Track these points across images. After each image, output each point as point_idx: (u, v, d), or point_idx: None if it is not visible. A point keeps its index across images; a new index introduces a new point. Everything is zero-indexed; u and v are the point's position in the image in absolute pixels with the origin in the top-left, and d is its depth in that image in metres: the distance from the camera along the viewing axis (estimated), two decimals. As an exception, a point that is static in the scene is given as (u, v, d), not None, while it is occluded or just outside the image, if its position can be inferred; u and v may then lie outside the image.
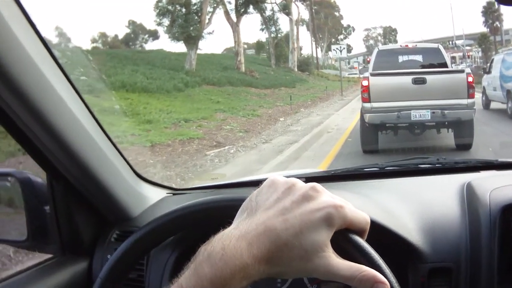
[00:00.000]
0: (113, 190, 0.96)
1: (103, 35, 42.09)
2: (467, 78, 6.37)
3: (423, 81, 6.38)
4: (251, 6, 23.06)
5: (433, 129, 6.82)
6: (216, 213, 0.76)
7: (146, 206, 1.09)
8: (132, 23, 42.54)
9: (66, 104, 0.79)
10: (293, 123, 10.43)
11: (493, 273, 0.83)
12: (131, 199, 1.03)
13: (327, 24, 50.32)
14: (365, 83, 6.64)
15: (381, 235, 0.83)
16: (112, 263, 0.75)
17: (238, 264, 0.43)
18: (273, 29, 27.60)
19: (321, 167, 5.38)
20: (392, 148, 6.71)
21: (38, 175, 0.96)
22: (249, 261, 0.43)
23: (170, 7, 19.01)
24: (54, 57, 0.76)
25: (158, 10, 19.11)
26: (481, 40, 41.01)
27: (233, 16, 22.13)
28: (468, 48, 45.66)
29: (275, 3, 27.04)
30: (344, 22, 56.70)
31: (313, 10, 42.98)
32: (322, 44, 50.94)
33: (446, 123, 6.51)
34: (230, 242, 0.44)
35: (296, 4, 32.32)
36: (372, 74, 6.83)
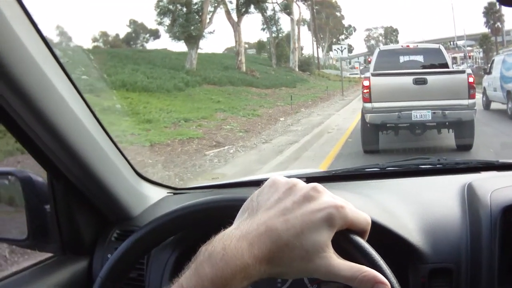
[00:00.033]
0: (114, 190, 0.96)
1: (104, 34, 42.17)
2: (468, 79, 6.37)
3: (424, 82, 6.38)
4: (252, 6, 23.06)
5: (433, 130, 6.83)
6: (216, 213, 0.76)
7: (147, 205, 1.09)
8: (133, 23, 42.59)
9: (67, 103, 0.79)
10: (293, 123, 10.43)
11: (494, 274, 0.83)
12: (132, 199, 1.04)
13: (328, 24, 50.33)
14: (366, 83, 6.65)
15: (381, 235, 0.83)
16: (113, 262, 0.75)
17: (239, 264, 0.43)
18: (274, 29, 27.62)
19: (321, 168, 5.38)
20: (392, 148, 6.71)
21: (38, 174, 0.96)
22: (250, 261, 0.43)
23: (171, 7, 19.01)
24: (56, 57, 0.76)
25: (159, 10, 19.12)
26: (482, 40, 41.00)
27: (234, 15, 22.17)
28: (469, 48, 45.63)
29: (276, 3, 27.08)
30: (346, 22, 56.77)
31: (315, 10, 42.98)
32: (323, 44, 50.96)
33: (447, 123, 6.52)
34: (231, 242, 0.44)
35: (297, 4, 32.36)
36: (373, 74, 6.84)
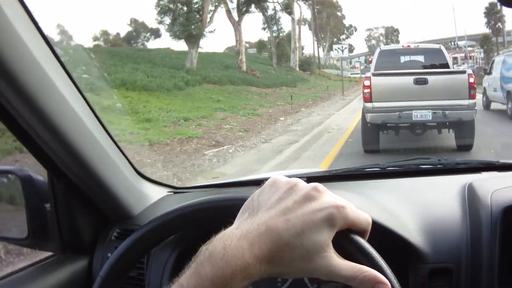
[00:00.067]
0: (114, 188, 0.96)
1: (105, 33, 42.17)
2: (469, 79, 6.38)
3: (424, 82, 6.38)
4: (253, 5, 23.05)
5: (434, 130, 6.84)
6: (217, 213, 0.76)
7: (147, 204, 1.09)
8: (134, 21, 42.56)
9: (68, 102, 0.79)
10: (293, 122, 10.42)
11: (494, 274, 0.83)
12: (132, 198, 1.04)
13: (329, 24, 50.31)
14: (367, 83, 6.65)
15: (382, 235, 0.83)
16: (113, 261, 0.75)
17: (240, 264, 0.43)
18: (275, 28, 27.59)
19: (321, 168, 5.37)
20: (393, 148, 6.72)
21: (38, 173, 0.96)
22: (251, 261, 0.43)
23: (171, 5, 19.00)
24: (57, 55, 0.76)
25: (159, 9, 19.12)
26: (483, 41, 40.97)
27: (235, 15, 22.15)
28: (470, 49, 45.60)
29: (277, 2, 27.07)
30: (346, 22, 56.72)
31: (315, 10, 42.97)
32: (324, 43, 50.96)
33: (447, 123, 6.53)
34: (232, 242, 0.44)
35: (298, 4, 32.31)
36: (374, 74, 6.84)
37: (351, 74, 38.64)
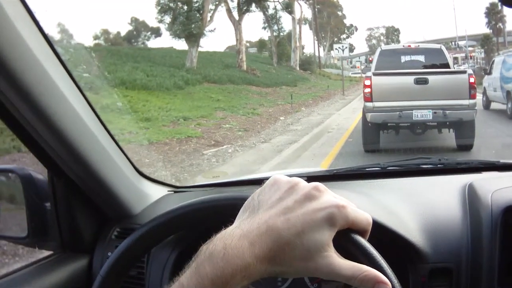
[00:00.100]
0: (115, 187, 0.96)
1: (105, 32, 42.18)
2: (469, 79, 6.38)
3: (425, 81, 6.39)
4: (253, 4, 23.03)
5: (434, 129, 6.85)
6: (217, 212, 0.76)
7: (148, 203, 1.09)
8: (134, 20, 42.55)
9: (68, 101, 0.79)
10: (293, 122, 10.40)
11: (494, 274, 0.83)
12: (132, 197, 1.03)
13: (329, 23, 50.29)
14: (367, 82, 6.66)
15: (382, 235, 0.83)
16: (113, 260, 0.75)
17: (240, 263, 0.43)
18: (275, 27, 27.59)
19: (321, 168, 5.36)
20: (393, 147, 6.72)
21: (39, 172, 0.96)
22: (251, 260, 0.43)
23: (171, 4, 18.98)
24: (57, 54, 0.76)
25: (159, 7, 19.11)
26: (483, 41, 40.96)
27: (235, 14, 22.13)
28: (470, 49, 45.57)
29: (278, 1, 27.07)
30: (347, 22, 56.71)
31: (316, 9, 42.96)
32: (325, 43, 50.94)
33: (448, 123, 6.53)
34: (232, 241, 0.44)
35: (299, 3, 32.28)
36: (374, 74, 6.85)
37: (352, 73, 38.61)
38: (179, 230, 0.86)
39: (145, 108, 10.20)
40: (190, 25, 18.01)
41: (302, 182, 0.50)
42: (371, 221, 0.50)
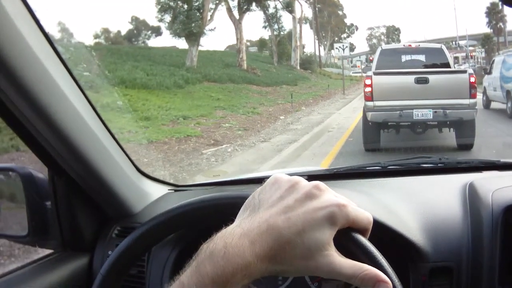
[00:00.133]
0: (115, 186, 0.96)
1: (106, 31, 42.15)
2: (469, 79, 6.38)
3: (425, 81, 6.39)
4: (254, 4, 23.00)
5: (434, 129, 6.86)
6: (218, 211, 0.76)
7: (148, 202, 1.09)
8: (135, 19, 42.53)
9: (69, 99, 0.79)
10: (293, 121, 10.39)
11: (494, 274, 0.83)
12: (133, 195, 1.04)
13: (330, 23, 50.25)
14: (368, 81, 6.66)
15: (383, 234, 0.83)
16: (113, 259, 0.75)
17: (240, 262, 0.43)
18: (276, 27, 27.57)
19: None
20: (394, 147, 6.72)
21: (39, 171, 0.96)
22: (252, 259, 0.43)
23: (171, 3, 18.97)
24: (58, 53, 0.76)
25: (159, 6, 19.09)
26: (484, 40, 40.93)
27: (235, 13, 22.11)
28: (471, 48, 45.56)
29: (278, 0, 27.03)
30: (348, 21, 56.65)
31: (317, 9, 42.93)
32: (325, 42, 50.92)
33: (448, 122, 6.54)
34: (233, 240, 0.44)
35: (299, 2, 32.26)
36: (375, 73, 6.85)
37: (352, 73, 38.60)
38: (180, 229, 0.86)
39: (144, 107, 10.17)
40: (190, 24, 17.99)
41: (303, 181, 0.50)
42: (371, 220, 0.50)
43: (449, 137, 6.74)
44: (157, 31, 39.73)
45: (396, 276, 0.48)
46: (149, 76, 13.77)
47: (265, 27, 29.05)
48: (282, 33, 28.28)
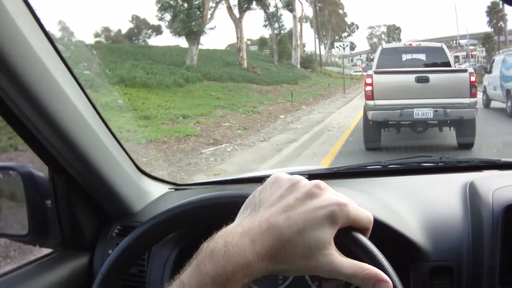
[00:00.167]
0: (115, 185, 0.96)
1: (106, 30, 42.11)
2: (470, 78, 6.38)
3: (426, 80, 6.39)
4: (254, 2, 22.98)
5: (435, 128, 6.86)
6: (218, 210, 0.76)
7: (148, 201, 1.09)
8: (135, 18, 42.49)
9: (69, 98, 0.79)
10: (293, 120, 10.38)
11: (495, 273, 0.83)
12: (133, 194, 1.03)
13: (330, 22, 50.17)
14: (368, 80, 6.66)
15: (383, 233, 0.83)
16: (114, 258, 0.75)
17: (241, 261, 0.43)
18: (276, 25, 27.53)
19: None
20: (394, 146, 6.71)
21: (39, 169, 0.96)
22: (252, 258, 0.43)
23: (172, 2, 18.95)
24: (58, 52, 0.76)
25: (160, 5, 19.07)
26: (485, 40, 40.88)
27: (236, 11, 22.07)
28: (471, 47, 45.50)
29: (279, -1, 26.98)
30: (348, 20, 56.47)
31: (317, 7, 42.89)
32: (326, 41, 50.85)
33: (448, 121, 6.55)
34: (233, 239, 0.44)
35: (300, 1, 32.32)
36: (376, 72, 6.85)
37: (353, 72, 38.57)
38: (180, 228, 0.86)
39: (144, 106, 10.14)
40: (190, 23, 17.97)
41: (303, 180, 0.50)
42: (372, 219, 0.50)
43: (450, 136, 6.74)
44: (157, 30, 39.68)
45: (396, 276, 0.48)
46: (149, 75, 13.73)
47: (265, 26, 29.07)
48: (282, 32, 28.24)
